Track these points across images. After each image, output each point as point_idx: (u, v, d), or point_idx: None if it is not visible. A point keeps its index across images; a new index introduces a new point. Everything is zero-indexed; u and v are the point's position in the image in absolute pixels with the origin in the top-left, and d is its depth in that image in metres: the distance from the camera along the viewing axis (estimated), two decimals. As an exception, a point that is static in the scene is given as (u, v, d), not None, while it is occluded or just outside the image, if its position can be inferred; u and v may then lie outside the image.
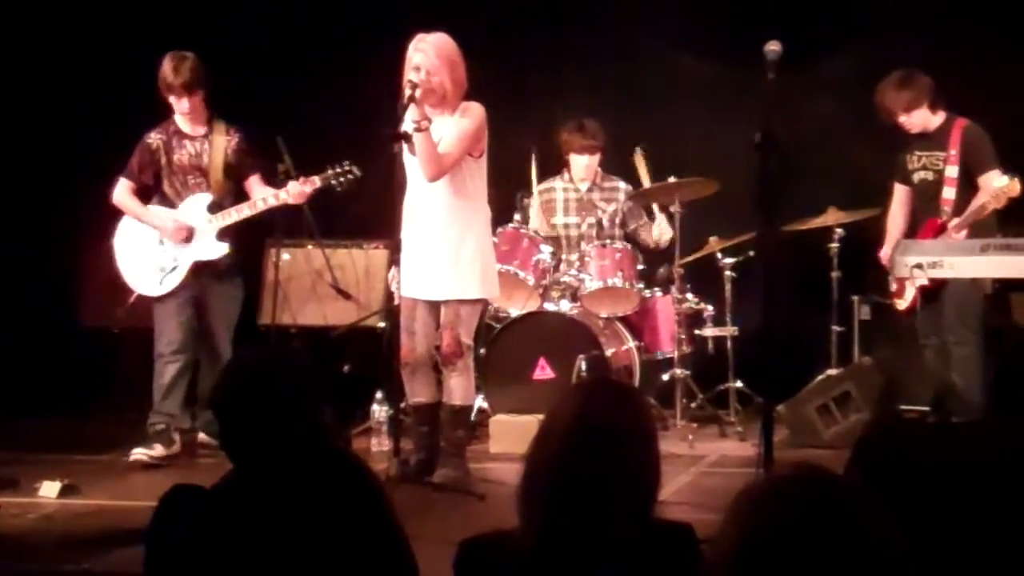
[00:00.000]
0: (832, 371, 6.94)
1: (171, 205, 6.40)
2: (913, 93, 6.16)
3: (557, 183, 7.46)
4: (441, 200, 5.56)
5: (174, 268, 6.36)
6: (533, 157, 7.32)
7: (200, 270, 6.37)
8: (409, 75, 5.40)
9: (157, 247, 6.39)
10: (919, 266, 5.54)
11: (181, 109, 6.34)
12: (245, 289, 6.65)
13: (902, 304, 6.30)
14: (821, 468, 1.70)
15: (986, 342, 6.12)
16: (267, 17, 8.14)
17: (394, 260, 5.33)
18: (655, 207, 7.38)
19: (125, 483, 5.87)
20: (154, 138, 6.41)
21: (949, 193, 6.11)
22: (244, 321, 7.31)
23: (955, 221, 6.04)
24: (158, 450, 6.25)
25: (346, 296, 7.12)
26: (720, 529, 1.64)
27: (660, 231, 7.30)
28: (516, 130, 6.75)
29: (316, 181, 6.25)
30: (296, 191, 6.23)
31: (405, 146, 5.35)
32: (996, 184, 5.86)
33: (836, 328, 7.07)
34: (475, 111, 5.56)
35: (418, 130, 5.35)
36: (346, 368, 7.18)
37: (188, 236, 6.34)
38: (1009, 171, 5.91)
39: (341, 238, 7.31)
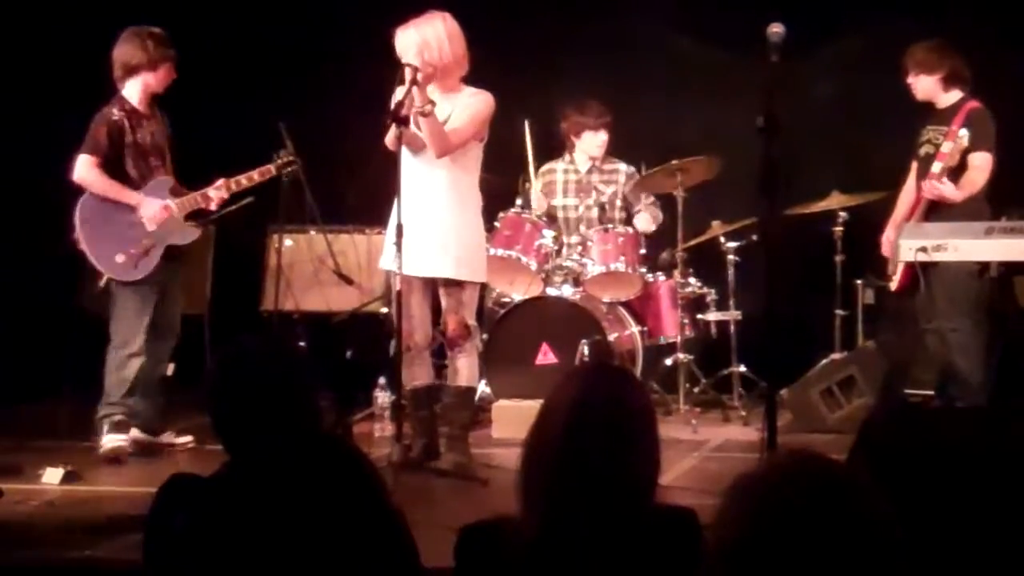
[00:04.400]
0: (836, 355, 6.93)
1: (134, 187, 6.08)
2: (933, 57, 6.16)
3: (558, 165, 7.46)
4: (443, 180, 5.58)
5: (148, 251, 6.05)
6: (527, 129, 7.27)
7: (170, 255, 6.13)
8: (408, 58, 5.38)
9: (129, 229, 6.04)
10: (923, 249, 5.50)
11: (156, 85, 6.09)
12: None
13: (893, 284, 6.26)
14: (816, 454, 1.69)
15: (990, 326, 6.09)
16: (268, 3, 8.12)
17: (396, 243, 5.28)
18: (642, 196, 7.32)
19: (127, 470, 5.87)
20: (117, 114, 6.04)
21: (937, 167, 6.05)
22: (246, 307, 7.32)
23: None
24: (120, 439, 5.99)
25: (348, 282, 7.11)
26: (718, 515, 1.63)
27: (645, 223, 7.25)
28: (515, 116, 6.73)
29: (255, 176, 6.14)
30: (220, 189, 6.14)
31: (404, 130, 5.33)
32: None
33: (840, 312, 7.06)
34: (486, 97, 5.61)
35: (423, 114, 5.35)
36: (348, 354, 7.17)
37: (167, 220, 6.10)
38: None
39: (343, 223, 7.31)
